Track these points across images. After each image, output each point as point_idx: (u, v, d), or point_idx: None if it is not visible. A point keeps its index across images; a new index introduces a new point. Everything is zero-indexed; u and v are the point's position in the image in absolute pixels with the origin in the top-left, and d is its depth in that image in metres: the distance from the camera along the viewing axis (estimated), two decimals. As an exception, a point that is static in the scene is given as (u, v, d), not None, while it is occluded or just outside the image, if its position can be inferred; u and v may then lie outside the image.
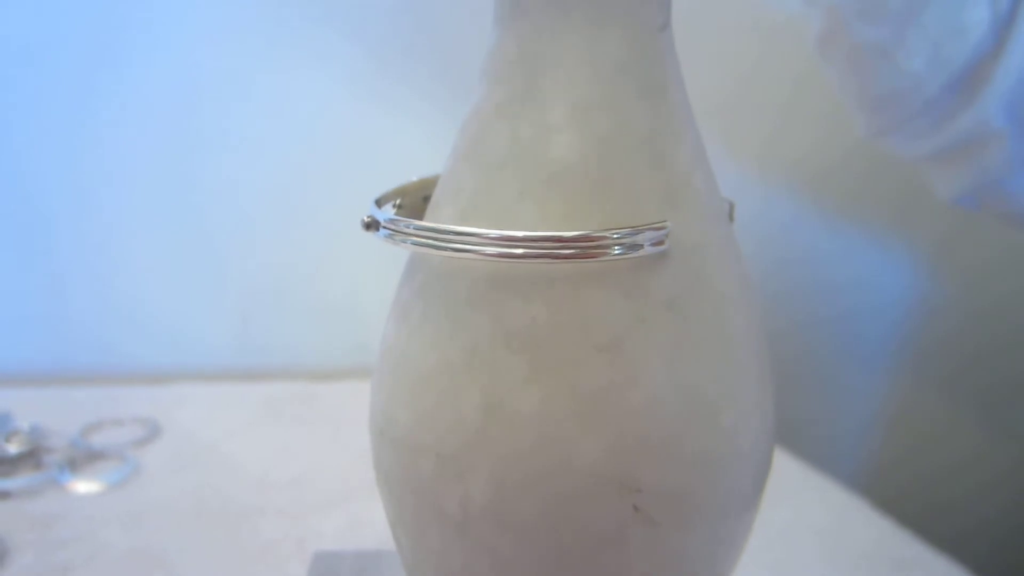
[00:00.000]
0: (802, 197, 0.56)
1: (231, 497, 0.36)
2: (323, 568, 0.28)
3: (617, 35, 0.17)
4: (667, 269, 0.17)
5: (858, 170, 0.54)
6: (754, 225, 0.42)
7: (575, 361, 0.16)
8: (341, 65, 0.50)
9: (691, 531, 0.17)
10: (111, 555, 0.32)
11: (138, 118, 0.49)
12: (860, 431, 0.60)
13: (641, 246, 0.16)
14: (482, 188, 0.17)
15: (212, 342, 0.53)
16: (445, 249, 0.16)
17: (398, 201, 0.20)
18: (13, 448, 0.38)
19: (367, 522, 0.34)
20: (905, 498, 0.43)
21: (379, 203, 0.19)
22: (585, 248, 0.16)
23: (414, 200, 0.21)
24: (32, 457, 0.39)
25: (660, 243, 0.16)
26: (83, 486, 0.37)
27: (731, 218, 0.20)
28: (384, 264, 0.32)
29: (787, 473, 0.41)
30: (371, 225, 0.18)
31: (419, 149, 0.43)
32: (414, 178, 0.21)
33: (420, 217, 0.19)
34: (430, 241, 0.17)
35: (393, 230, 0.17)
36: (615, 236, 0.16)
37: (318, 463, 0.40)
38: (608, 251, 0.16)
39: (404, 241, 0.17)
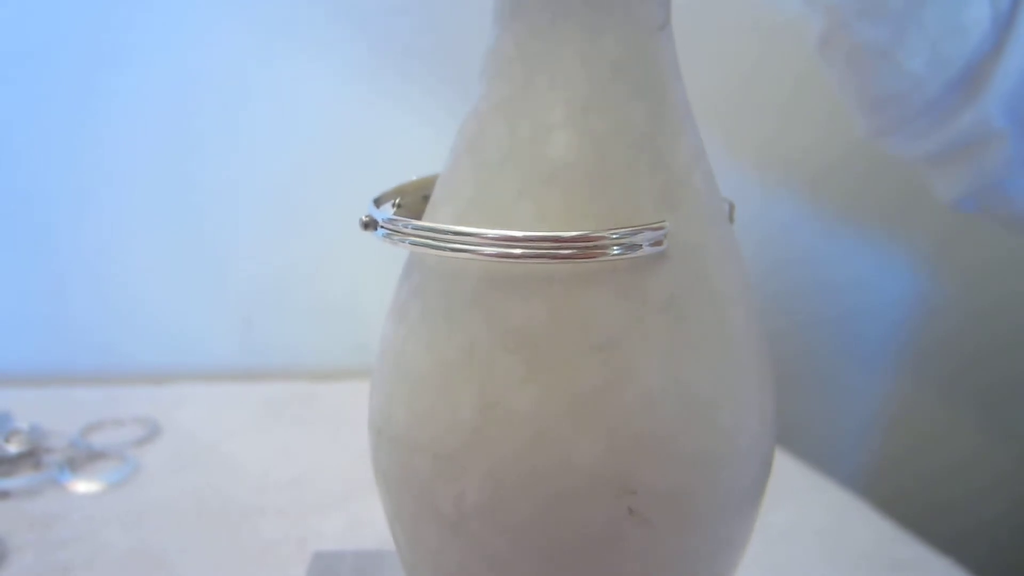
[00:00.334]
0: (802, 197, 0.56)
1: (231, 497, 0.36)
2: (323, 568, 0.28)
3: (615, 34, 0.17)
4: (665, 269, 0.16)
5: (858, 170, 0.54)
6: (754, 225, 0.42)
7: (571, 361, 0.16)
8: (341, 65, 0.50)
9: (688, 533, 0.17)
10: (111, 555, 0.32)
11: (138, 118, 0.49)
12: (860, 431, 0.60)
13: (639, 246, 0.16)
14: (480, 187, 0.17)
15: (212, 342, 0.53)
16: (443, 249, 0.16)
17: (397, 200, 0.20)
18: (13, 448, 0.38)
19: (367, 522, 0.34)
20: (905, 499, 0.43)
21: (378, 202, 0.19)
22: (584, 248, 0.16)
23: (414, 199, 0.21)
24: (32, 457, 0.39)
25: (658, 243, 0.16)
26: (83, 486, 0.37)
27: (731, 219, 0.20)
28: (384, 264, 0.32)
29: (787, 473, 0.41)
30: (369, 224, 0.18)
31: (420, 149, 0.43)
32: (413, 177, 0.21)
33: (420, 217, 0.19)
34: (428, 241, 0.17)
35: (391, 230, 0.17)
36: (614, 236, 0.16)
37: (318, 463, 0.40)
38: (607, 251, 0.16)
39: (402, 241, 0.17)
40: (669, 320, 0.16)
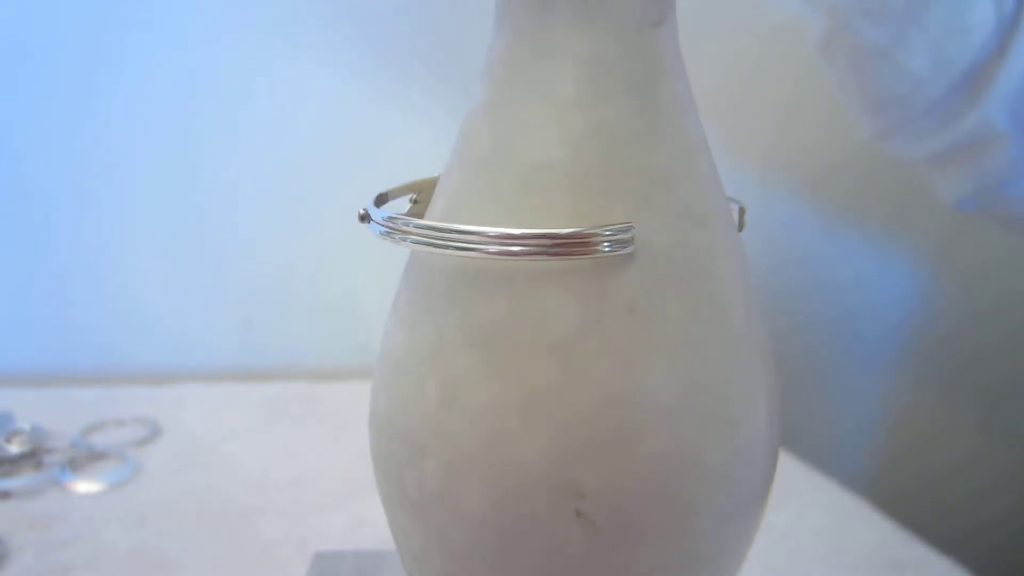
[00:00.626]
0: (802, 197, 0.56)
1: (232, 497, 0.36)
2: (323, 568, 0.28)
3: (602, 31, 0.17)
4: (630, 271, 0.16)
5: (859, 171, 0.54)
6: (754, 225, 0.42)
7: (527, 359, 0.16)
8: (342, 64, 0.50)
9: (642, 542, 0.16)
10: (112, 555, 0.32)
11: (138, 118, 0.49)
12: (861, 432, 0.60)
13: (603, 246, 0.15)
14: (464, 186, 0.18)
15: (213, 342, 0.53)
16: (427, 245, 0.16)
17: (414, 196, 0.20)
18: (14, 448, 0.38)
19: (367, 522, 0.34)
20: (906, 499, 0.43)
21: (390, 196, 0.19)
22: (545, 247, 0.15)
23: (429, 196, 0.21)
24: (33, 457, 0.39)
25: (623, 244, 0.16)
26: (84, 486, 0.37)
27: (741, 224, 0.19)
28: (384, 264, 0.32)
29: (788, 474, 0.41)
30: (365, 217, 0.18)
31: (420, 149, 0.43)
32: (427, 175, 0.21)
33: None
34: (414, 237, 0.17)
35: (391, 228, 0.17)
36: (580, 236, 0.15)
37: (319, 463, 0.40)
38: (569, 251, 0.15)
39: (404, 239, 0.17)
40: (630, 322, 0.16)
